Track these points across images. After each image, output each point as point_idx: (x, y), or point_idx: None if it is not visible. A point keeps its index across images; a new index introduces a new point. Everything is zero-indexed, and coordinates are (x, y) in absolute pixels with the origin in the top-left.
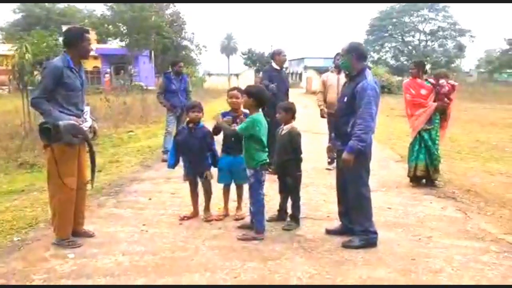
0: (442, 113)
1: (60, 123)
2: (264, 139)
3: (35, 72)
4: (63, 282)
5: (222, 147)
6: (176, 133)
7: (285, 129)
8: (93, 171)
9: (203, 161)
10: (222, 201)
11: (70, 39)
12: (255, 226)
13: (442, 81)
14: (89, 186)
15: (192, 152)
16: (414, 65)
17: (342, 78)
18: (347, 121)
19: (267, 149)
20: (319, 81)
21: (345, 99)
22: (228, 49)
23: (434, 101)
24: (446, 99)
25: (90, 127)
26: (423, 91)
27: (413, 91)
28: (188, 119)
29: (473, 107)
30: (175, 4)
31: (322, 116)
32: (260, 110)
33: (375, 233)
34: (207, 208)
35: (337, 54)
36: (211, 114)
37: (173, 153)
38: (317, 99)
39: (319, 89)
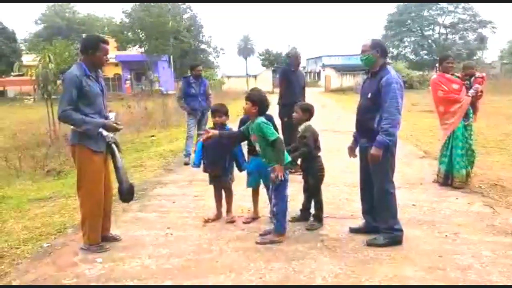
0: (471, 106)
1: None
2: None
3: (58, 82)
4: None
5: (248, 149)
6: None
7: (301, 128)
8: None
9: (220, 160)
10: (244, 203)
11: (86, 48)
12: (275, 227)
13: (477, 74)
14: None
15: (211, 148)
16: (453, 59)
17: None
18: (372, 117)
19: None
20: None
21: (369, 95)
22: (245, 51)
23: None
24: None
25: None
26: (455, 86)
27: (445, 87)
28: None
29: (498, 100)
30: (192, 8)
31: None
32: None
33: (401, 230)
34: (229, 210)
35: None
36: (230, 117)
37: (199, 152)
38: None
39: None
